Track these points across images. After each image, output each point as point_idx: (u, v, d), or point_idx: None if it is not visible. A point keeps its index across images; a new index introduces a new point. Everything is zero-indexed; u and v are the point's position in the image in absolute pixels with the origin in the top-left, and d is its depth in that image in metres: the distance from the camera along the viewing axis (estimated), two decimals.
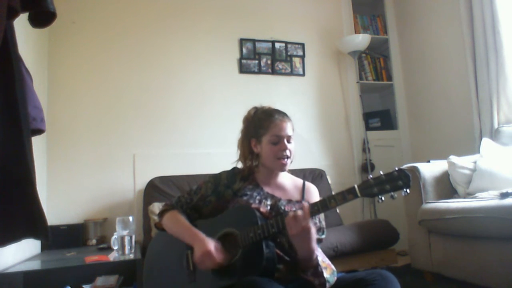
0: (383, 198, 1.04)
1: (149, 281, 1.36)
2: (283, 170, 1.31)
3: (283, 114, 1.34)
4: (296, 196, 1.35)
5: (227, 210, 1.28)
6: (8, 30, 0.95)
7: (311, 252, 1.14)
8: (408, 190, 1.02)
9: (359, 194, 1.05)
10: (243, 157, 1.38)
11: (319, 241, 1.25)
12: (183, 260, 1.26)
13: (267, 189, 1.32)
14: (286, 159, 1.28)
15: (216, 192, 1.33)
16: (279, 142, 1.28)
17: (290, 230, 1.08)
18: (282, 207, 1.26)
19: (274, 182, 1.35)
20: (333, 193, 1.11)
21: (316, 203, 1.11)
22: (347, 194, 1.06)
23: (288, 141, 1.29)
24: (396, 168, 1.04)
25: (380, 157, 3.41)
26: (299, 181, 1.42)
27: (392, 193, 1.03)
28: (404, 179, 1.01)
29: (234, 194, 1.31)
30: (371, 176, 1.07)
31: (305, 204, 1.10)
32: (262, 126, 1.31)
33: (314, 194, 1.39)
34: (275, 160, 1.28)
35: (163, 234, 1.35)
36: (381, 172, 1.06)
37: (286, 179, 1.39)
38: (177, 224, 1.28)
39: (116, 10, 2.96)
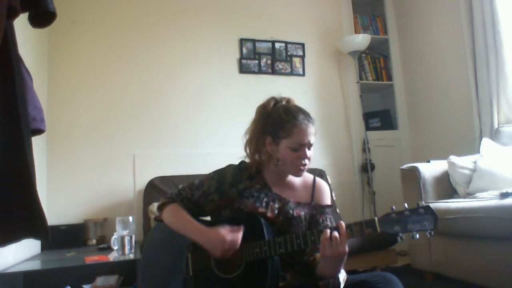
0: (403, 237, 0.95)
1: (146, 282, 1.29)
2: (298, 176, 1.22)
3: (308, 116, 1.20)
4: (305, 196, 1.26)
5: (231, 216, 1.19)
6: (8, 30, 0.95)
7: (337, 273, 1.07)
8: (432, 232, 0.92)
9: (378, 229, 0.96)
10: (253, 151, 1.26)
11: None
12: (182, 263, 1.19)
13: (275, 189, 1.23)
14: (303, 166, 1.18)
15: (219, 191, 1.23)
16: (300, 149, 1.16)
17: (323, 252, 0.98)
18: (291, 211, 1.19)
19: (284, 182, 1.26)
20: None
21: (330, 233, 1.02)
22: (366, 228, 0.98)
23: (309, 149, 1.18)
24: (423, 203, 0.95)
25: (380, 157, 3.41)
26: (310, 178, 1.31)
27: (414, 232, 0.93)
28: (430, 219, 0.92)
29: (240, 194, 1.21)
30: (393, 207, 0.97)
31: (342, 223, 1.00)
32: (283, 128, 1.17)
33: (325, 194, 1.29)
34: (292, 166, 1.18)
35: (162, 228, 1.25)
36: (406, 206, 0.97)
37: (296, 177, 1.29)
38: (179, 218, 1.18)
39: (116, 10, 2.96)
